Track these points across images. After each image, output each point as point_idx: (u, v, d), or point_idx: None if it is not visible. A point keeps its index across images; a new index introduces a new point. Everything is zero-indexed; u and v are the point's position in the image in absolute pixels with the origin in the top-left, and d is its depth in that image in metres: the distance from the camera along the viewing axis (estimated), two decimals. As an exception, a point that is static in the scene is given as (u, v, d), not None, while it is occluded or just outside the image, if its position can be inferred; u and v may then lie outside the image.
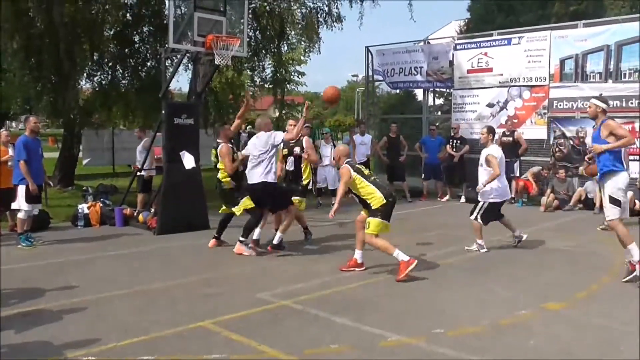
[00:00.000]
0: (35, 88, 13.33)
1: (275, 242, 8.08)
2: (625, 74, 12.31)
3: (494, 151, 8.13)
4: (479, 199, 8.19)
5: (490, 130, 8.48)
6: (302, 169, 9.20)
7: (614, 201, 6.53)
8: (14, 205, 8.90)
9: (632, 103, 12.17)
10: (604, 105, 6.79)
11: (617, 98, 12.32)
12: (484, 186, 8.02)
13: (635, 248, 6.38)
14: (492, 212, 8.18)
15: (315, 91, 77.79)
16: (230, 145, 8.56)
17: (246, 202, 8.11)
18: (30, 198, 8.61)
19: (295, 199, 8.66)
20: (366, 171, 7.14)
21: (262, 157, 7.92)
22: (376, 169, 17.01)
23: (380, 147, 14.85)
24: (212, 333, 4.91)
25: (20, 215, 8.71)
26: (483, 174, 8.14)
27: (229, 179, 8.39)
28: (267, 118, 9.33)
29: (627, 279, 6.39)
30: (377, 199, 6.78)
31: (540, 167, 13.37)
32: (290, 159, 9.20)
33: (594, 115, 6.88)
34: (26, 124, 9.11)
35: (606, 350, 4.54)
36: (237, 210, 8.26)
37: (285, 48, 17.52)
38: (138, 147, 12.03)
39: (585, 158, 11.66)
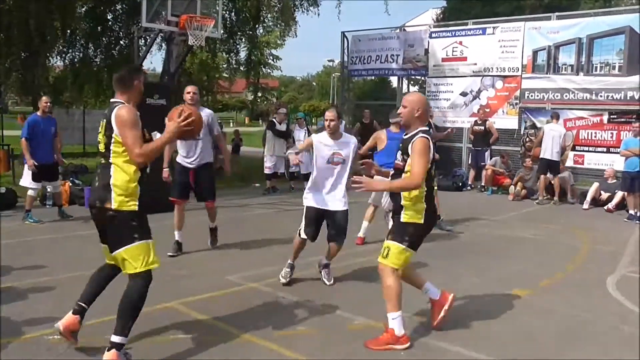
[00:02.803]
0: (4, 65, 13.05)
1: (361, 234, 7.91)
2: (596, 67, 12.52)
3: None
4: None
5: None
6: None
7: None
8: (21, 182, 9.16)
9: (601, 96, 12.39)
10: None
11: (587, 91, 12.55)
12: None
13: None
14: None
15: (291, 75, 77.82)
16: None
17: None
18: (34, 175, 8.75)
19: None
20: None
21: None
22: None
23: (354, 133, 14.87)
24: (180, 314, 4.91)
25: (29, 192, 8.92)
26: None
27: None
28: None
29: None
30: (419, 210, 4.40)
31: (499, 157, 13.38)
32: None
33: None
34: (39, 103, 9.23)
35: (568, 337, 4.66)
36: None
37: (261, 31, 17.42)
38: None
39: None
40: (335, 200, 5.75)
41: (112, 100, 4.03)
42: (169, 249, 6.96)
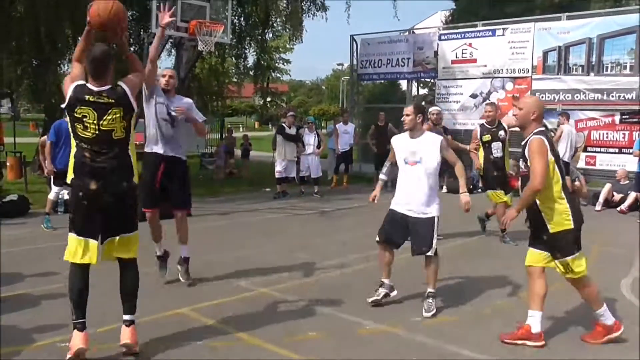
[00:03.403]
0: (15, 72, 13.16)
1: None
2: (607, 67, 12.43)
3: None
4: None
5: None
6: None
7: None
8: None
9: (612, 96, 12.30)
10: None
11: (598, 91, 12.46)
12: None
13: None
14: None
15: (301, 79, 77.93)
16: None
17: None
18: (55, 180, 8.77)
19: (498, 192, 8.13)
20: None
21: None
22: (359, 157, 17.08)
23: (370, 135, 14.82)
24: (190, 320, 4.91)
25: (50, 195, 9.03)
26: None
27: None
28: None
29: None
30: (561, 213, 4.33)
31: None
32: (496, 145, 8.22)
33: None
34: None
35: (580, 340, 4.61)
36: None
37: (270, 35, 17.47)
38: None
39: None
40: (417, 205, 5.19)
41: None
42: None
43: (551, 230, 4.32)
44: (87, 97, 3.88)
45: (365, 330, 4.74)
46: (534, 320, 4.43)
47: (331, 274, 6.48)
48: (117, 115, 3.91)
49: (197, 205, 10.70)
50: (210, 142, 23.14)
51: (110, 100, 3.89)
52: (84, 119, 3.89)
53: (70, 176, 4.03)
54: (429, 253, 5.13)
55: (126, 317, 4.20)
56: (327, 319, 4.99)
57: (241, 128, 49.22)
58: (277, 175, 12.70)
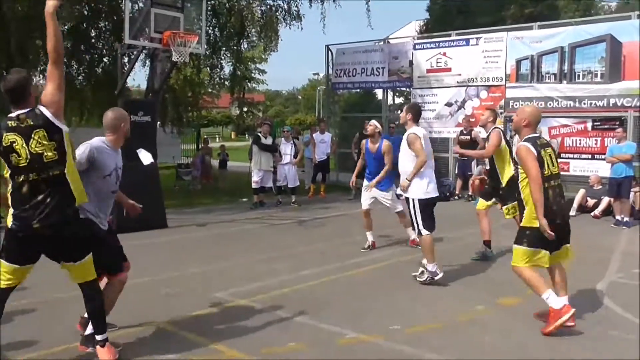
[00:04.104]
0: (-15, 84, 12.95)
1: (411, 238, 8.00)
2: (578, 75, 12.63)
3: (417, 130, 6.43)
4: (407, 195, 6.40)
5: (411, 110, 6.54)
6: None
7: None
8: None
9: (584, 103, 12.49)
10: None
11: (570, 98, 12.65)
12: (409, 180, 6.31)
13: None
14: (430, 211, 6.42)
15: (277, 89, 77.91)
16: None
17: None
18: None
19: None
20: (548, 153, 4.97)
21: None
22: (337, 167, 17.10)
23: (354, 143, 14.69)
24: (167, 333, 4.84)
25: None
26: (407, 162, 6.44)
27: None
28: None
29: None
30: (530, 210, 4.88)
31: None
32: None
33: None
34: None
35: (557, 344, 4.64)
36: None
37: (245, 46, 17.43)
38: None
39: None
40: None
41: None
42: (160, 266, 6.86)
43: (521, 223, 5.02)
44: (9, 123, 3.75)
45: (345, 340, 4.71)
46: (550, 300, 4.80)
47: (310, 284, 6.44)
48: (42, 135, 3.73)
49: (173, 216, 10.64)
50: (186, 152, 23.00)
51: (31, 123, 3.72)
52: (14, 145, 3.73)
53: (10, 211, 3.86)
54: None
55: (98, 337, 4.13)
56: (307, 329, 4.95)
57: (217, 138, 49.00)
58: (253, 186, 12.64)
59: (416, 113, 6.50)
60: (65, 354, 4.36)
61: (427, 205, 6.32)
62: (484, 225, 7.71)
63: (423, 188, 6.30)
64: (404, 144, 6.44)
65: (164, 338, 4.72)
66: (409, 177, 6.30)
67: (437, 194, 6.49)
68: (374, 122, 8.22)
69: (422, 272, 6.41)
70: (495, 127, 7.55)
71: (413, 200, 6.29)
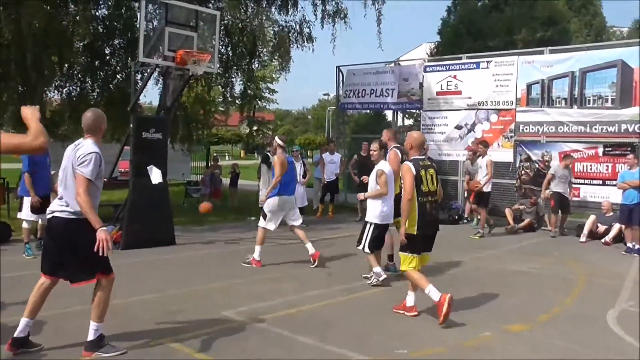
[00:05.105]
0: (0, 99, 13.11)
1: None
2: (589, 100, 12.62)
3: (384, 166, 7.36)
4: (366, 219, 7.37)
5: (382, 146, 7.56)
6: None
7: None
8: (19, 215, 9.07)
9: (595, 129, 12.46)
10: None
11: (581, 123, 12.63)
12: (365, 198, 7.44)
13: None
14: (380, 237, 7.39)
15: (287, 109, 78.35)
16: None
17: None
18: (35, 209, 8.69)
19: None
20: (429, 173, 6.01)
21: None
22: (345, 187, 17.10)
23: (352, 165, 14.84)
24: (173, 351, 4.82)
25: (24, 225, 8.89)
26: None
27: None
28: None
29: None
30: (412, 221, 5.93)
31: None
32: None
33: None
34: None
35: (580, 336, 4.58)
36: None
37: (257, 65, 17.55)
38: None
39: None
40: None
41: None
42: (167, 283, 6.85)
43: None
44: None
45: (351, 363, 4.68)
46: (432, 294, 5.79)
47: (316, 305, 6.42)
48: None
49: (182, 233, 10.66)
50: (195, 170, 23.07)
51: None
52: None
53: None
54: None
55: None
56: (312, 351, 4.92)
57: (227, 156, 49.21)
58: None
59: (383, 146, 7.62)
60: None
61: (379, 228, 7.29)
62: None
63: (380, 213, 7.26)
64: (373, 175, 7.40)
65: (169, 356, 4.71)
66: (365, 195, 7.45)
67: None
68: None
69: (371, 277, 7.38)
70: (394, 147, 7.94)
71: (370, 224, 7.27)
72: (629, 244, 10.27)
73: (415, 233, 5.85)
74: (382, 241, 7.48)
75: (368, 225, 7.26)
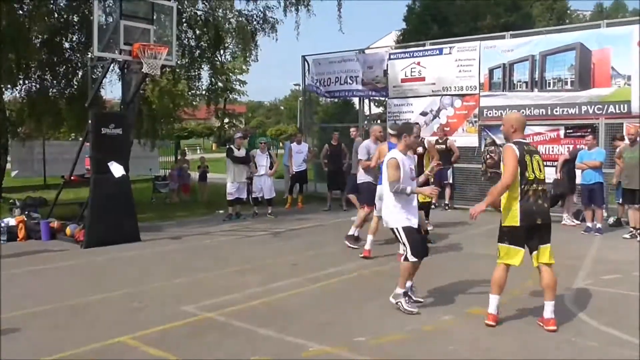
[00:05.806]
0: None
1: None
2: (549, 83, 12.77)
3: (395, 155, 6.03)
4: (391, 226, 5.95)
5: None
6: None
7: None
8: None
9: (556, 111, 12.63)
10: None
11: (542, 106, 12.78)
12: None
13: None
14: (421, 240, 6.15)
15: (259, 100, 77.95)
16: None
17: None
18: None
19: None
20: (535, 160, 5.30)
21: None
22: (315, 177, 17.10)
23: (323, 155, 14.81)
24: (129, 348, 4.78)
25: None
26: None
27: None
28: None
29: None
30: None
31: None
32: None
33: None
34: None
35: (524, 353, 4.66)
36: None
37: (225, 57, 17.34)
38: None
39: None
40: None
41: None
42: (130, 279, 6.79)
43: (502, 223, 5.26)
44: None
45: (309, 353, 4.68)
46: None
47: (279, 296, 6.42)
48: None
49: (148, 229, 10.56)
50: (164, 165, 22.84)
51: None
52: None
53: None
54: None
55: None
56: (271, 343, 4.92)
57: (198, 150, 48.85)
58: (228, 197, 12.60)
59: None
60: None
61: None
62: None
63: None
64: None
65: (124, 354, 4.66)
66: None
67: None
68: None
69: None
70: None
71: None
72: (589, 224, 10.45)
73: (518, 225, 5.13)
74: (425, 243, 6.24)
75: (397, 232, 5.89)
